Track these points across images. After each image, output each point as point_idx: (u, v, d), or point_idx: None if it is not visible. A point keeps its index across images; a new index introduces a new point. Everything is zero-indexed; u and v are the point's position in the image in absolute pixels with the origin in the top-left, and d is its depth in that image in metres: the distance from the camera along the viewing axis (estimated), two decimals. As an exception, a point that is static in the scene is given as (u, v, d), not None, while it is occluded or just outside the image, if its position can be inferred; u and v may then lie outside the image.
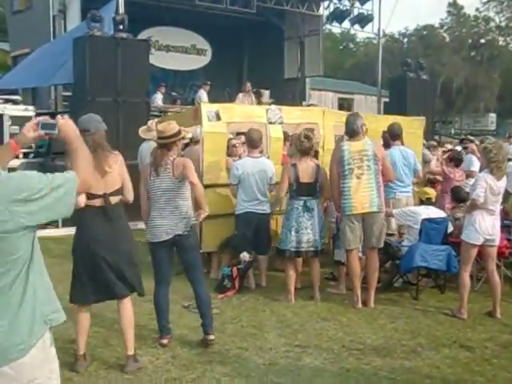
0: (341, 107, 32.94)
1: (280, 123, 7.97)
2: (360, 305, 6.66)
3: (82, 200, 4.26)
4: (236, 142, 8.08)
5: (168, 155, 5.04)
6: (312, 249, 6.65)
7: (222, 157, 7.60)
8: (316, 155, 7.62)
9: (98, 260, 4.64)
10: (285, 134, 7.94)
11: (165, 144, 5.06)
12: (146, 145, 8.72)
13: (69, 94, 14.40)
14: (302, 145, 6.60)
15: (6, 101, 13.07)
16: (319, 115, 8.40)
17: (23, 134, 2.72)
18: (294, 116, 8.24)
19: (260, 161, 7.20)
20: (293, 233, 6.57)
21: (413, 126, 9.11)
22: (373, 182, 6.47)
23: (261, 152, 7.37)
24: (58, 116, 2.72)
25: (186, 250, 5.21)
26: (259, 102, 15.43)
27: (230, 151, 7.93)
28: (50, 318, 2.53)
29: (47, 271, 2.58)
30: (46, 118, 2.73)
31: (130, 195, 4.79)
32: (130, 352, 4.85)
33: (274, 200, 7.21)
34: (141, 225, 5.73)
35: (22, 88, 15.07)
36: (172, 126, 5.12)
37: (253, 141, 7.13)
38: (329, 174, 6.66)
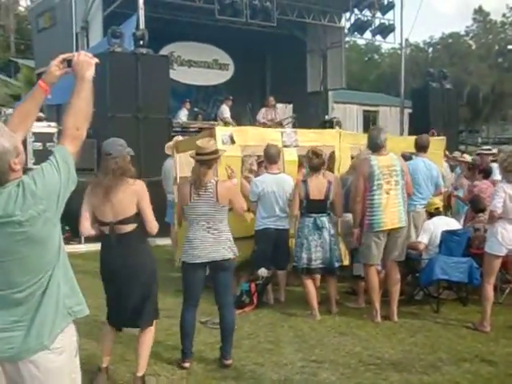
0: (365, 120, 33.05)
1: (295, 146, 7.93)
2: (379, 319, 6.55)
3: (82, 228, 4.38)
4: (252, 160, 8.18)
5: (209, 175, 4.97)
6: (323, 266, 6.60)
7: (238, 180, 7.52)
8: (331, 169, 7.63)
9: (114, 290, 4.62)
10: (300, 158, 7.86)
11: (205, 161, 4.96)
12: (170, 161, 8.73)
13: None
14: (311, 162, 6.60)
15: (30, 118, 13.21)
16: (335, 137, 8.30)
17: (50, 73, 2.75)
18: (309, 138, 8.13)
19: (279, 177, 7.18)
20: (304, 250, 6.54)
21: (433, 147, 8.86)
22: (400, 197, 6.43)
23: (279, 168, 7.36)
24: (80, 52, 2.75)
25: (221, 270, 5.13)
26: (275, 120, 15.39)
27: (246, 167, 7.98)
28: (74, 310, 2.60)
29: None
30: (70, 55, 2.75)
31: (150, 226, 4.55)
32: (140, 373, 4.78)
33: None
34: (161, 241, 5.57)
35: (46, 105, 15.30)
36: (212, 143, 5.07)
37: (271, 156, 7.10)
38: (353, 188, 6.60)
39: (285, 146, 7.76)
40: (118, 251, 4.52)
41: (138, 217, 4.52)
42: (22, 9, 43.10)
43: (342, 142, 8.25)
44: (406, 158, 7.61)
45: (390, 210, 6.33)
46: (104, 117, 11.68)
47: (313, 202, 6.51)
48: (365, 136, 7.23)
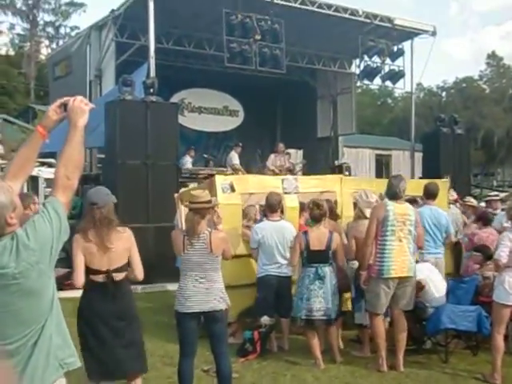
0: (378, 164, 33.24)
1: (296, 193, 7.96)
2: (385, 368, 6.39)
3: (79, 280, 4.36)
4: (256, 209, 8.12)
5: (202, 224, 5.00)
6: (324, 317, 6.51)
7: (238, 227, 7.56)
8: (335, 218, 7.62)
9: (101, 338, 4.52)
10: (301, 203, 7.88)
11: (198, 209, 5.01)
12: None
13: (103, 156, 14.71)
14: (312, 212, 6.63)
15: (42, 164, 13.37)
16: (336, 183, 8.33)
17: (48, 117, 2.75)
18: (310, 185, 8.19)
19: (279, 224, 7.18)
20: (304, 300, 6.48)
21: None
22: (411, 247, 6.39)
23: (281, 215, 7.34)
24: (75, 97, 2.72)
25: (214, 321, 5.11)
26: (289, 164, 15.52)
27: (246, 213, 7.92)
28: (67, 362, 2.56)
29: None
30: (67, 100, 2.72)
31: (138, 272, 4.64)
32: None
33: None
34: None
35: (59, 151, 15.45)
36: (206, 193, 5.16)
37: (271, 205, 7.13)
38: (365, 231, 6.52)
39: (286, 193, 7.78)
40: (114, 299, 4.51)
41: (128, 264, 4.61)
42: (42, 57, 44.29)
43: (344, 187, 8.24)
44: (411, 201, 7.55)
45: (401, 258, 6.26)
46: (114, 164, 11.78)
47: (314, 252, 6.51)
48: (368, 181, 7.19)
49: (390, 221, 6.19)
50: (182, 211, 7.78)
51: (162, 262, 9.30)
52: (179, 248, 5.03)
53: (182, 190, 9.06)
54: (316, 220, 6.59)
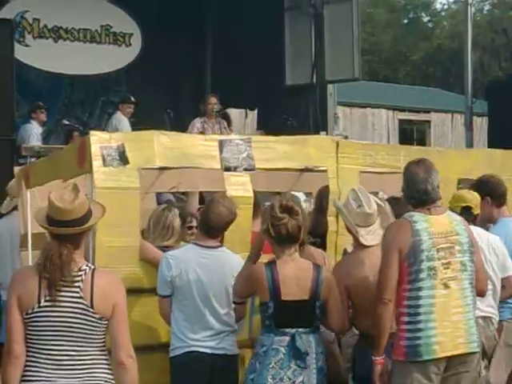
0: (405, 136, 22.08)
1: (248, 169, 5.30)
2: None
3: None
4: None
5: (76, 259, 3.44)
6: None
7: (133, 237, 5.04)
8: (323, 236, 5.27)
9: None
10: (256, 195, 5.37)
11: (68, 236, 3.46)
12: (4, 223, 6.63)
13: None
14: (281, 225, 4.29)
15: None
16: (329, 151, 5.49)
17: None
18: (276, 155, 5.36)
19: (215, 255, 4.75)
20: None
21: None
22: (469, 295, 4.43)
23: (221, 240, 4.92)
24: None
25: None
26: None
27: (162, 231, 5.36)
28: None
29: None
30: None
31: None
32: None
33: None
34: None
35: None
36: (82, 201, 3.47)
37: (211, 224, 4.77)
38: (367, 274, 4.55)
39: (227, 170, 5.21)
40: None
41: None
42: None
43: (342, 159, 5.47)
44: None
45: (453, 319, 4.32)
46: None
47: (287, 305, 4.37)
48: (395, 149, 5.42)
49: (426, 250, 4.31)
50: (28, 202, 6.02)
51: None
52: (29, 300, 3.52)
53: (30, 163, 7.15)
54: (287, 240, 4.34)
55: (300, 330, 4.22)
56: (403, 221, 4.40)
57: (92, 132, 5.16)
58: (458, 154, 6.57)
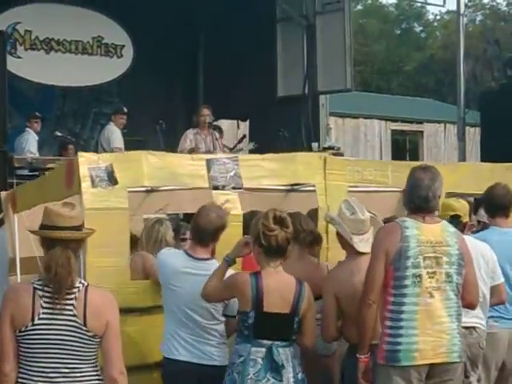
0: (397, 147, 21.75)
1: (236, 188, 5.21)
2: None
3: None
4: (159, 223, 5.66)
5: (73, 273, 3.39)
6: None
7: (123, 257, 4.95)
8: (314, 245, 4.99)
9: None
10: (245, 216, 5.19)
11: (69, 242, 3.41)
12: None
13: None
14: (272, 236, 4.19)
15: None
16: (316, 168, 5.41)
17: None
18: (264, 173, 5.30)
19: (204, 267, 4.60)
20: None
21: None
22: (453, 306, 4.39)
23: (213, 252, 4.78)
24: None
25: None
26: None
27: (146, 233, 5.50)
28: None
29: None
30: None
31: None
32: None
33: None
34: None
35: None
36: (78, 211, 3.58)
37: (198, 228, 4.68)
38: (358, 281, 4.54)
39: (215, 189, 5.16)
40: None
41: None
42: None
43: (330, 176, 5.40)
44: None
45: (435, 328, 4.32)
46: None
47: (268, 316, 4.26)
48: (381, 165, 5.38)
49: (412, 257, 4.29)
50: (15, 225, 5.89)
51: None
52: (23, 316, 3.45)
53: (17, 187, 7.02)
54: (276, 252, 4.30)
55: (277, 342, 4.22)
56: (395, 224, 4.39)
57: (80, 153, 5.09)
58: (446, 169, 6.52)
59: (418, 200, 4.28)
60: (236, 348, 4.31)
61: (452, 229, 4.43)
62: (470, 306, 4.52)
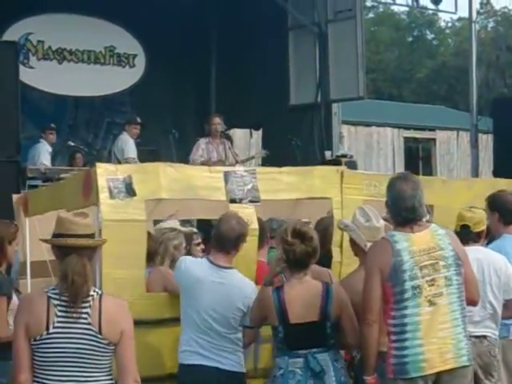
0: (410, 155, 21.59)
1: (253, 201, 5.13)
2: None
3: None
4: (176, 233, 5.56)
5: (89, 281, 3.37)
6: None
7: (139, 269, 4.87)
8: (329, 257, 5.00)
9: None
10: (262, 223, 5.21)
11: (84, 250, 3.39)
12: None
13: None
14: (290, 250, 4.18)
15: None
16: (333, 181, 5.38)
17: None
18: (281, 186, 5.23)
19: (225, 277, 4.61)
20: None
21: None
22: (457, 309, 4.28)
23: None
24: None
25: None
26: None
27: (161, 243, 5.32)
28: None
29: None
30: None
31: None
32: None
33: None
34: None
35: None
36: (91, 220, 3.57)
37: (223, 239, 4.65)
38: (362, 295, 4.32)
39: (232, 202, 5.09)
40: None
41: None
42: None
43: (347, 190, 5.35)
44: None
45: (439, 336, 4.25)
46: None
47: (296, 327, 4.29)
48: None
49: (408, 269, 4.23)
50: (27, 229, 5.90)
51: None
52: (38, 325, 3.38)
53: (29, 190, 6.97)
54: (297, 264, 4.30)
55: (313, 350, 4.19)
56: (383, 241, 4.31)
57: (98, 164, 5.04)
58: (462, 185, 6.47)
59: (406, 212, 4.20)
60: (276, 361, 4.30)
61: (441, 230, 4.34)
62: (472, 303, 4.44)
